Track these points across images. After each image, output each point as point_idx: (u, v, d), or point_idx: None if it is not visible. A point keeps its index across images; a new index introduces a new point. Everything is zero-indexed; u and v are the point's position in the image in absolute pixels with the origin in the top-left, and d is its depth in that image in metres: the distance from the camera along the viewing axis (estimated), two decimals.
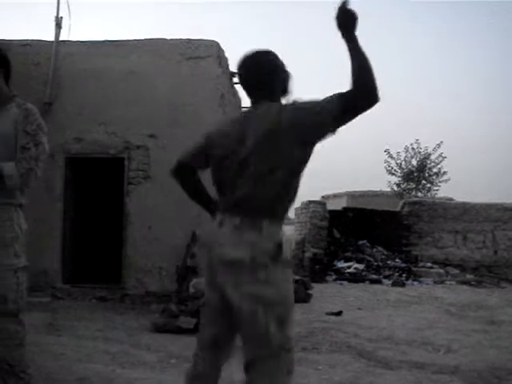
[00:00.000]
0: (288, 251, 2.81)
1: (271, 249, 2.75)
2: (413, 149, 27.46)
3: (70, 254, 9.58)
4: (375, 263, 15.10)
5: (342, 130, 2.85)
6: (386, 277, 14.11)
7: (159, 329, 6.93)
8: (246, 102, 13.34)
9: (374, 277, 13.98)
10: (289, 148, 2.74)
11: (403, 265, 15.18)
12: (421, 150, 27.35)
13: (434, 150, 27.03)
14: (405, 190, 27.17)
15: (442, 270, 15.17)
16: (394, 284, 13.24)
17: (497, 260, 16.63)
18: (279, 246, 2.77)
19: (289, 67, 2.99)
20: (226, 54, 9.98)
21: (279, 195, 2.80)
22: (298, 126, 2.72)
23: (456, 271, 15.45)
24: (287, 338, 2.81)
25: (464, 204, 17.45)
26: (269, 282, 2.75)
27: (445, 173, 27.25)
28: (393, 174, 27.83)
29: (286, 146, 2.74)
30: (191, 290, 7.73)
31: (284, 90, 2.94)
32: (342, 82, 2.77)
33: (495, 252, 16.75)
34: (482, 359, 6.10)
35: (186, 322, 6.90)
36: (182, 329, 6.81)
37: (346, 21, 2.57)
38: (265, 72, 2.93)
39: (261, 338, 2.78)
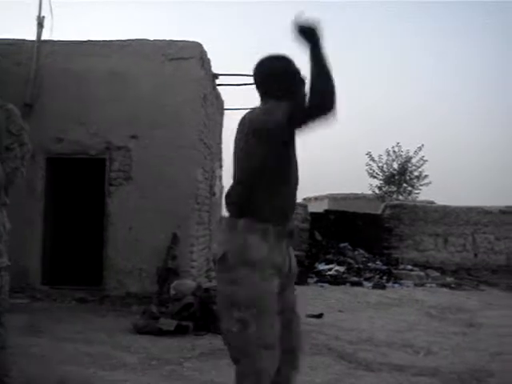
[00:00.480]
0: (258, 251, 2.83)
1: (240, 249, 2.84)
2: (394, 152, 27.60)
3: (50, 255, 9.52)
4: (356, 266, 15.11)
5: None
6: (366, 279, 14.13)
7: (140, 330, 6.90)
8: (228, 104, 13.40)
9: (355, 279, 13.98)
10: (246, 149, 2.87)
11: (384, 267, 15.21)
12: (402, 153, 27.50)
13: (415, 153, 27.20)
14: (386, 193, 27.28)
15: (422, 273, 15.22)
16: (375, 286, 13.27)
17: (477, 263, 16.75)
18: (247, 247, 2.84)
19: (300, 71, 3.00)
20: (209, 56, 9.99)
21: (249, 195, 2.89)
22: (249, 128, 2.85)
23: (436, 274, 15.51)
24: (249, 343, 2.80)
25: (445, 207, 17.56)
26: (234, 281, 2.83)
27: (426, 176, 27.42)
28: (374, 177, 27.95)
29: (243, 148, 2.89)
30: (172, 291, 7.71)
31: (284, 95, 2.87)
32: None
33: (475, 255, 16.86)
34: (461, 361, 6.16)
35: (167, 323, 6.87)
36: (163, 330, 6.78)
37: (308, 33, 2.64)
38: (256, 78, 3.09)
39: (225, 340, 2.89)
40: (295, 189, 3.01)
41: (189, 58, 9.16)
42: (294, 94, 2.87)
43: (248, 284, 2.82)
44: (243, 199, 2.90)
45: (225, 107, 13.41)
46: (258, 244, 2.84)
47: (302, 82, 2.95)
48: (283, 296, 2.96)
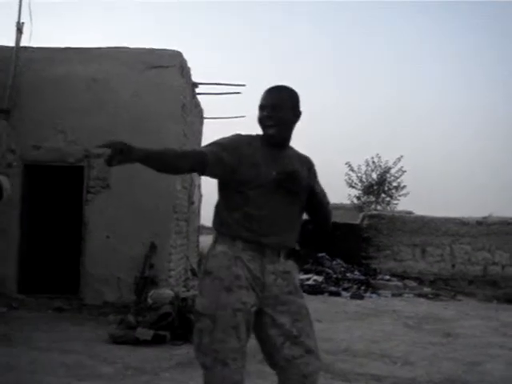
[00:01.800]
0: (217, 261, 2.94)
1: (206, 258, 3.03)
2: (373, 162, 27.72)
3: (27, 263, 9.41)
4: (334, 275, 15.12)
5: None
6: (344, 289, 14.15)
7: (117, 340, 6.84)
8: (208, 113, 13.40)
9: (333, 289, 14.00)
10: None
11: (362, 277, 15.24)
12: (381, 164, 27.62)
13: (394, 163, 27.34)
14: (365, 203, 27.38)
15: (400, 283, 15.28)
16: (353, 296, 13.30)
17: (454, 273, 16.84)
18: (210, 256, 2.99)
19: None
20: (189, 65, 9.97)
21: (216, 212, 3.08)
22: None
23: (414, 284, 15.58)
24: (205, 354, 2.86)
25: (423, 218, 17.65)
26: (199, 290, 3.01)
27: (404, 187, 27.56)
28: (353, 187, 28.04)
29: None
30: (149, 300, 7.66)
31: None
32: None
33: (453, 266, 16.96)
34: (438, 371, 6.18)
35: (144, 333, 6.83)
36: (140, 340, 6.74)
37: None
38: None
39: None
40: (279, 215, 3.00)
41: (169, 67, 9.14)
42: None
43: (206, 293, 2.93)
44: (218, 216, 3.06)
45: (204, 116, 13.40)
46: (219, 254, 2.94)
47: (264, 118, 3.06)
48: (275, 322, 2.95)
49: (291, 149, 3.18)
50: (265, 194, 2.93)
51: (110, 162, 2.58)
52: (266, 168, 2.95)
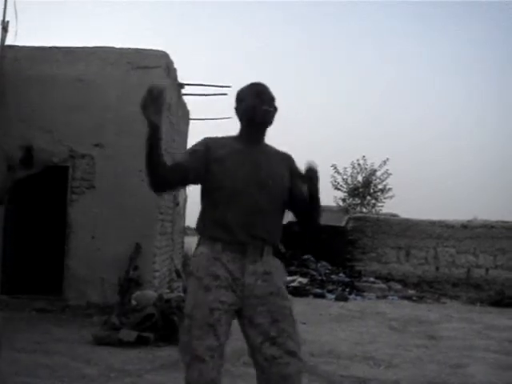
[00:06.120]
0: (197, 261, 3.01)
1: (191, 259, 3.13)
2: (359, 165, 27.77)
3: (10, 264, 9.34)
4: (319, 278, 15.14)
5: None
6: (329, 291, 14.16)
7: (100, 341, 6.80)
8: (194, 114, 13.39)
9: (318, 291, 14.00)
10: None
11: (347, 279, 15.28)
12: (367, 167, 27.68)
13: (380, 166, 27.40)
14: (350, 206, 27.41)
15: (384, 285, 15.33)
16: (338, 298, 13.31)
17: (438, 276, 16.94)
18: (192, 257, 3.09)
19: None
20: (175, 65, 9.95)
21: (202, 215, 3.11)
22: None
23: (398, 286, 15.63)
24: (184, 351, 2.90)
25: (407, 220, 17.73)
26: (187, 292, 3.07)
27: (390, 189, 27.63)
28: (339, 189, 28.07)
29: None
30: (133, 302, 7.63)
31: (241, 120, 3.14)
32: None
33: (437, 268, 17.05)
34: (421, 374, 6.20)
35: (127, 334, 6.80)
36: (123, 342, 6.70)
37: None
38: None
39: None
40: (256, 211, 2.99)
41: (155, 67, 9.11)
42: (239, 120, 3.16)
43: (189, 292, 3.00)
44: (199, 218, 3.11)
45: (190, 117, 13.38)
46: (200, 255, 3.00)
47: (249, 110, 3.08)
48: (252, 323, 2.96)
49: (267, 145, 3.19)
50: (242, 193, 2.96)
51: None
52: (241, 165, 3.00)
